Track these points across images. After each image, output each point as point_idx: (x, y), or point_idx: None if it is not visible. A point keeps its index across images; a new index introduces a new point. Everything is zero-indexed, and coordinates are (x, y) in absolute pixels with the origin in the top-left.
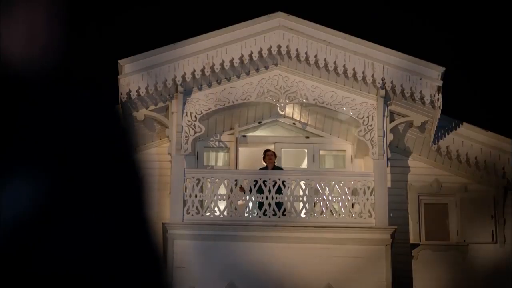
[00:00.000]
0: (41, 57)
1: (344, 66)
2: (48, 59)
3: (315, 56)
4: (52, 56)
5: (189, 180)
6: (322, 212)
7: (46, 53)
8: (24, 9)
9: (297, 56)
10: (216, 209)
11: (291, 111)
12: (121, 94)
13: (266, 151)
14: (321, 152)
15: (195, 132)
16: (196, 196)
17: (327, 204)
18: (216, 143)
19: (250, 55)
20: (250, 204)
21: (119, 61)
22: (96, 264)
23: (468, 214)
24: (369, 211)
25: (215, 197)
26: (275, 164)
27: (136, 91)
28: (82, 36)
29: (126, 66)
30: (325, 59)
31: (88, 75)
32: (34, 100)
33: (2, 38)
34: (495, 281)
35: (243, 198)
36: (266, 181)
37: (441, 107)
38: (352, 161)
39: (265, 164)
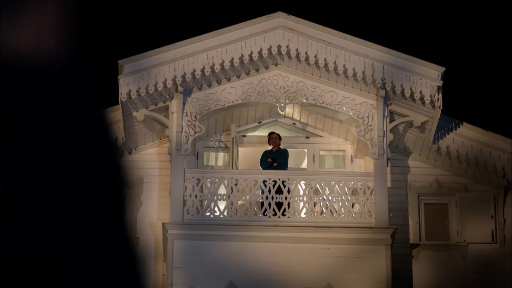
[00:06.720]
0: (49, 54)
1: (344, 66)
2: (56, 56)
3: (315, 56)
4: (60, 54)
5: (189, 180)
6: (322, 212)
7: (54, 50)
8: (34, 8)
9: (297, 56)
10: (216, 209)
11: (291, 111)
12: (121, 94)
13: (271, 133)
14: (321, 152)
15: (195, 132)
16: (196, 196)
17: (327, 204)
18: (216, 143)
19: (250, 55)
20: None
21: (119, 61)
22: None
23: (468, 214)
24: (369, 211)
25: (215, 197)
26: (280, 146)
27: (136, 91)
28: (86, 36)
29: (126, 66)
30: (325, 59)
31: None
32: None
33: (11, 35)
34: (495, 281)
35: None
36: (265, 181)
37: (441, 107)
38: (352, 161)
39: (270, 147)
